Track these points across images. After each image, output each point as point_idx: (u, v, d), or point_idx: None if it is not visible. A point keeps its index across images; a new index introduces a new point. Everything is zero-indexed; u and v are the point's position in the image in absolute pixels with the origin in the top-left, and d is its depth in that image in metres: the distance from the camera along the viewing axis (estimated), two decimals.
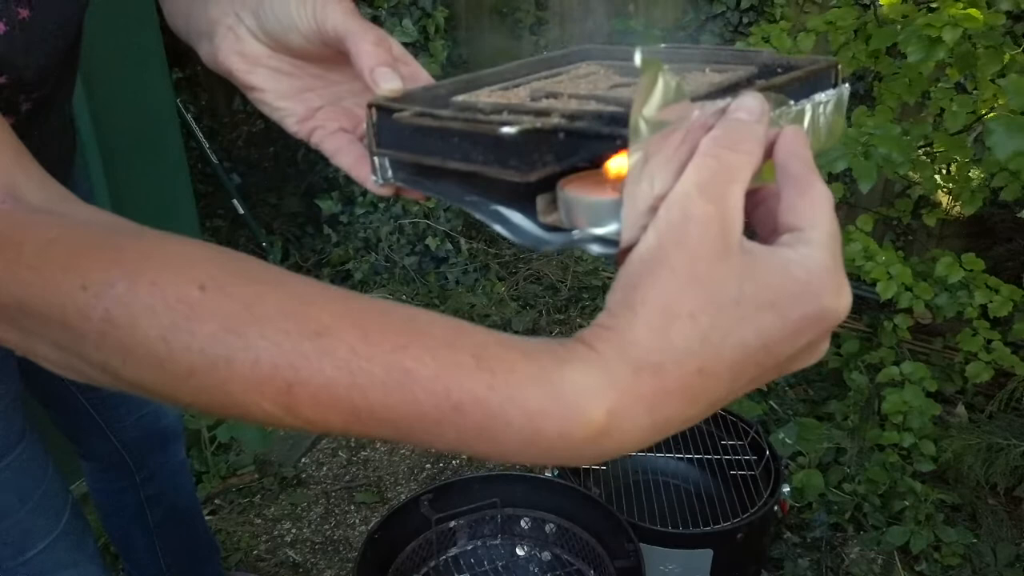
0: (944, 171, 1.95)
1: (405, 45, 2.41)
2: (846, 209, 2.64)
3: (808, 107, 0.38)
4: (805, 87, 0.39)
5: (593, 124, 0.34)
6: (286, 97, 0.51)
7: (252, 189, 3.06)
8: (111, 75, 1.70)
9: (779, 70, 0.41)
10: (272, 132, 3.11)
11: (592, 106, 0.36)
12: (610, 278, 2.86)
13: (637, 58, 0.29)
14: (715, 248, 0.30)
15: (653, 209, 0.31)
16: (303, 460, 2.03)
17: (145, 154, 1.86)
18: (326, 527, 1.82)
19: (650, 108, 0.30)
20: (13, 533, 0.79)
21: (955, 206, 2.37)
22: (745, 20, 2.85)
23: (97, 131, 1.65)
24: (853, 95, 2.85)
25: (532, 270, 2.94)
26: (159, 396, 0.32)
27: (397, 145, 0.41)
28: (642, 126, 0.30)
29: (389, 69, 0.45)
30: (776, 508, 1.47)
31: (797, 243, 0.32)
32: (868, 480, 1.73)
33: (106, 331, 0.30)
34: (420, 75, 0.50)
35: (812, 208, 0.32)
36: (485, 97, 0.41)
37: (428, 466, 2.04)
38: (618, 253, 0.32)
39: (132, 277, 0.31)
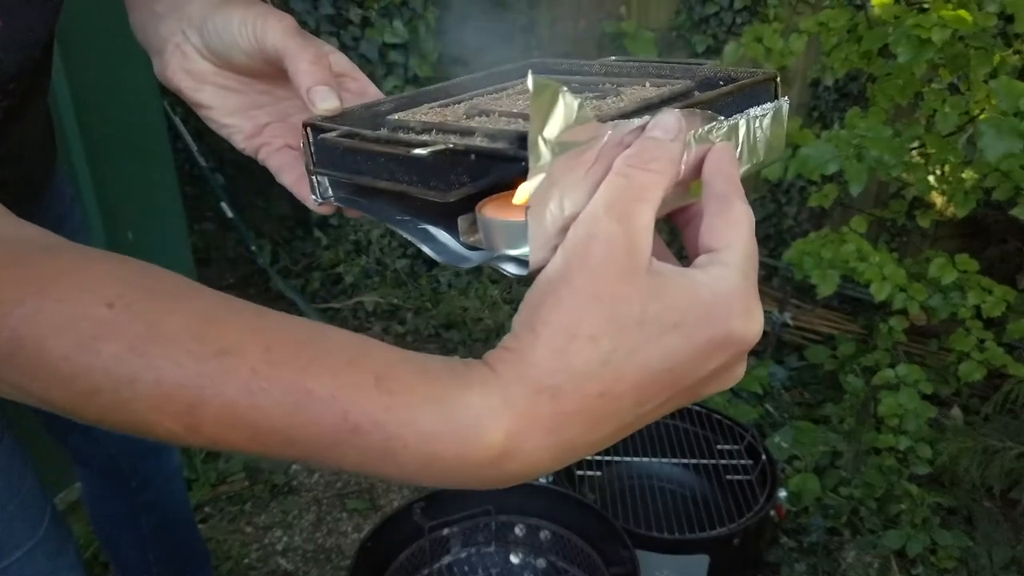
0: (938, 172, 1.95)
1: (395, 46, 2.39)
2: (840, 210, 2.64)
3: (742, 122, 0.37)
4: (741, 101, 0.39)
5: (502, 146, 0.34)
6: (233, 114, 0.51)
7: (240, 191, 3.03)
8: (97, 76, 1.67)
9: (720, 83, 0.41)
10: None
11: (516, 125, 0.36)
12: None
13: (529, 82, 0.29)
14: (619, 268, 0.29)
15: (564, 230, 0.31)
16: (293, 467, 2.00)
17: (132, 156, 1.83)
18: (318, 535, 1.80)
19: (551, 130, 0.29)
20: None
21: (949, 207, 2.37)
22: (739, 20, 2.84)
23: (83, 133, 1.63)
24: (847, 95, 2.85)
25: None
26: (66, 413, 0.32)
27: (332, 164, 0.41)
28: (542, 148, 0.29)
29: (326, 88, 0.45)
30: (772, 513, 1.46)
31: (710, 264, 0.31)
32: (864, 484, 1.72)
33: (13, 351, 0.30)
34: (368, 90, 0.50)
35: (729, 229, 0.32)
36: (422, 115, 0.42)
37: None
38: (529, 274, 0.32)
39: (40, 296, 0.30)
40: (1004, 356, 1.64)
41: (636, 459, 1.63)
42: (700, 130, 0.34)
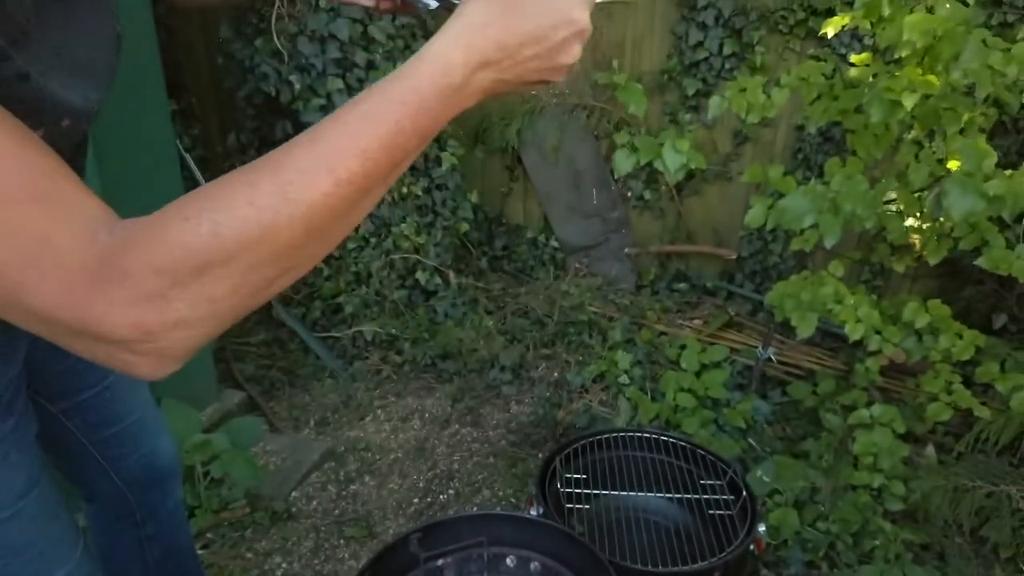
0: (916, 216, 2.04)
1: None
2: (822, 254, 2.73)
3: None
4: None
5: None
6: None
7: None
8: (113, 110, 1.75)
9: None
10: None
11: None
12: (596, 312, 2.94)
13: None
14: None
15: None
16: (293, 494, 2.07)
17: (144, 185, 1.92)
18: (316, 562, 1.86)
19: None
20: (37, 563, 0.85)
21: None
22: (727, 65, 2.96)
23: (99, 163, 1.71)
24: (830, 139, 2.96)
25: (520, 304, 3.01)
26: (309, 207, 0.49)
27: None
28: None
29: None
30: (752, 547, 1.53)
31: None
32: (840, 519, 1.80)
33: (292, 221, 0.48)
34: None
35: None
36: None
37: (416, 501, 2.08)
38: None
39: (274, 177, 0.49)
40: (970, 399, 1.72)
41: (623, 493, 1.70)
42: None
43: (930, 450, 2.08)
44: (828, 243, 1.56)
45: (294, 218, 0.48)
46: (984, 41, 1.51)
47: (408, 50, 2.54)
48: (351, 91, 2.46)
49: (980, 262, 1.62)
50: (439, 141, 2.78)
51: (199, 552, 1.78)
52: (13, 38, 0.51)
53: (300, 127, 2.54)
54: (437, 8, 0.57)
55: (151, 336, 0.47)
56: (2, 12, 0.50)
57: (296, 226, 0.48)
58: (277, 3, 2.42)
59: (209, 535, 1.88)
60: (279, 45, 2.44)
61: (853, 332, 1.77)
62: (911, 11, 1.68)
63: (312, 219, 0.49)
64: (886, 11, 1.58)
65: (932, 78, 1.59)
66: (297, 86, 2.44)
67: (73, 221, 0.47)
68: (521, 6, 0.53)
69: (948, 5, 1.50)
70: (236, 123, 3.00)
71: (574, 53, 0.56)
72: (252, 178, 0.48)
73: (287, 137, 2.76)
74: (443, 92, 0.51)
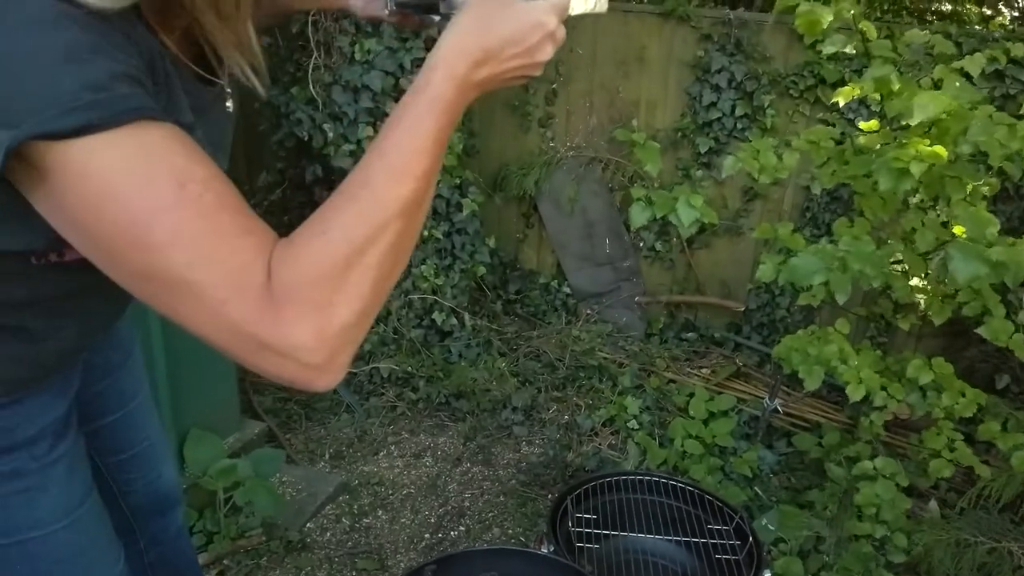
0: (921, 277, 2.12)
1: None
2: (830, 304, 2.81)
3: None
4: None
5: None
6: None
7: None
8: None
9: None
10: (288, 201, 3.29)
11: None
12: (606, 358, 3.00)
13: None
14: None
15: None
16: (308, 525, 2.11)
17: None
18: None
19: None
20: (87, 573, 0.90)
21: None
22: (739, 126, 3.09)
23: None
24: (837, 199, 3.06)
25: (532, 348, 3.08)
26: (418, 193, 0.63)
27: None
28: None
29: None
30: None
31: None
32: (843, 568, 1.83)
33: (395, 215, 0.62)
34: None
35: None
36: None
37: (427, 536, 2.12)
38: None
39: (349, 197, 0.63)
40: (971, 457, 1.77)
41: (633, 535, 1.75)
42: None
43: (933, 504, 2.12)
44: (840, 300, 1.63)
45: (396, 212, 0.61)
46: (991, 116, 1.61)
47: None
48: None
49: (981, 331, 1.70)
50: (460, 188, 2.89)
51: None
52: (196, 115, 0.67)
53: (330, 170, 2.65)
54: (440, 22, 0.67)
55: (329, 342, 0.58)
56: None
57: (398, 219, 0.61)
58: (314, 54, 2.57)
59: (226, 561, 1.93)
60: (314, 93, 2.58)
61: (854, 393, 1.84)
62: (919, 84, 1.79)
63: (406, 210, 0.61)
64: (896, 87, 1.68)
65: (939, 148, 1.69)
66: (330, 133, 2.57)
67: (263, 249, 0.58)
68: (499, 17, 0.66)
69: (957, 84, 1.60)
70: (265, 164, 3.13)
71: (548, 52, 0.68)
72: (351, 193, 0.61)
73: (317, 179, 2.85)
74: (455, 90, 0.64)
